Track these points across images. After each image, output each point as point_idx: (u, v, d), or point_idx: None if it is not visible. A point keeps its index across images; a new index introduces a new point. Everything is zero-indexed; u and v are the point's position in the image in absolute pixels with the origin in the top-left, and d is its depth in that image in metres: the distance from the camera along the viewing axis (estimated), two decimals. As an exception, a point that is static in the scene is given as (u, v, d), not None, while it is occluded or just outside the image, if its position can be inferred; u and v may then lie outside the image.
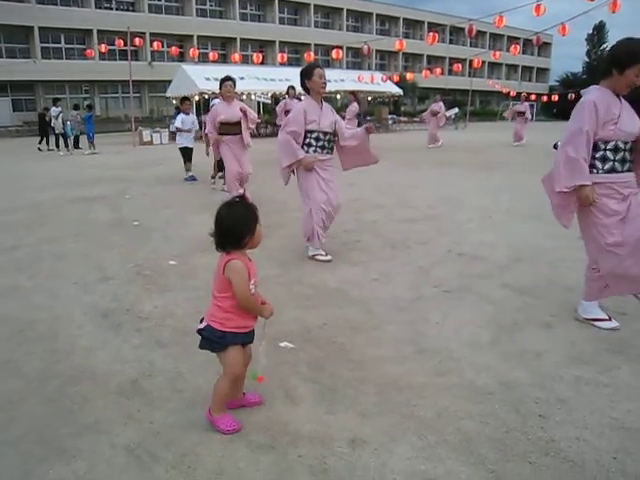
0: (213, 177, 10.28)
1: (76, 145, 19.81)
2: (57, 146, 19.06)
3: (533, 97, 39.88)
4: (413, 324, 3.65)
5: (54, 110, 19.27)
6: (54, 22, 35.78)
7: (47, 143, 20.15)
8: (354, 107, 18.68)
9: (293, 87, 15.59)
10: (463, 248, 5.57)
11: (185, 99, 12.18)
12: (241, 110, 8.04)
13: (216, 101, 9.69)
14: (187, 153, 11.36)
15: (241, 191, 2.48)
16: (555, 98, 38.63)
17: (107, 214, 7.63)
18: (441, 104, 19.97)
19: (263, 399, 2.71)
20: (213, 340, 2.46)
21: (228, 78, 8.10)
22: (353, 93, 19.69)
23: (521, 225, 6.62)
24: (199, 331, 2.49)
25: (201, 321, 2.51)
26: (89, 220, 7.26)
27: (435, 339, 3.40)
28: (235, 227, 2.38)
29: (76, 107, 21.12)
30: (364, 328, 3.58)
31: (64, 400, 2.79)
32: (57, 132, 19.26)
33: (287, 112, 14.82)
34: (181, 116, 11.50)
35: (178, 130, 11.51)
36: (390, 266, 5.00)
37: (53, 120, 19.29)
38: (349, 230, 6.40)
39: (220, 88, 8.18)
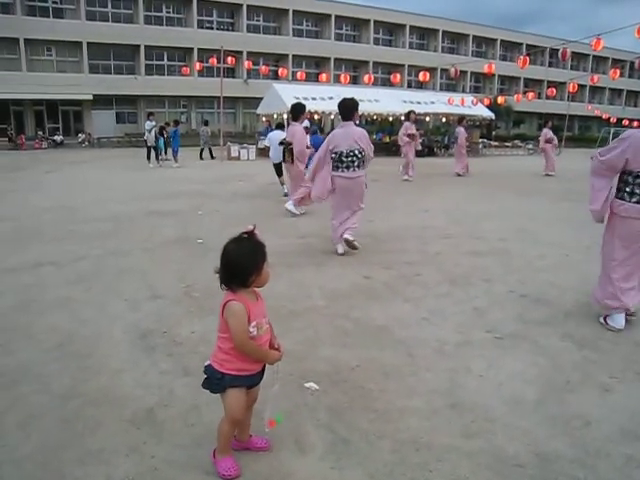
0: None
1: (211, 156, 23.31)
2: (148, 158, 19.79)
3: (636, 124, 37.63)
4: (453, 373, 3.38)
5: (148, 124, 19.95)
6: (158, 41, 37.98)
7: (159, 155, 20.78)
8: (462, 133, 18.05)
9: (413, 111, 16.49)
10: (528, 288, 5.17)
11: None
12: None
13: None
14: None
15: (250, 227, 2.35)
16: (662, 126, 36.16)
17: (176, 230, 7.80)
18: (545, 130, 18.94)
19: (270, 445, 2.57)
20: (212, 380, 2.36)
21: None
22: (462, 119, 19.32)
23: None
24: (205, 368, 2.40)
25: None
26: (157, 235, 7.45)
27: (473, 393, 3.12)
28: (241, 264, 2.27)
29: (206, 123, 24.19)
30: (399, 374, 3.35)
31: (78, 422, 2.78)
32: (149, 145, 20.00)
33: (408, 135, 15.03)
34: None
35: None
36: (444, 304, 4.71)
37: (146, 133, 20.11)
38: (411, 262, 6.15)
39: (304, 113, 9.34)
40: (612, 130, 45.82)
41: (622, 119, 39.03)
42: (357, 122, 6.46)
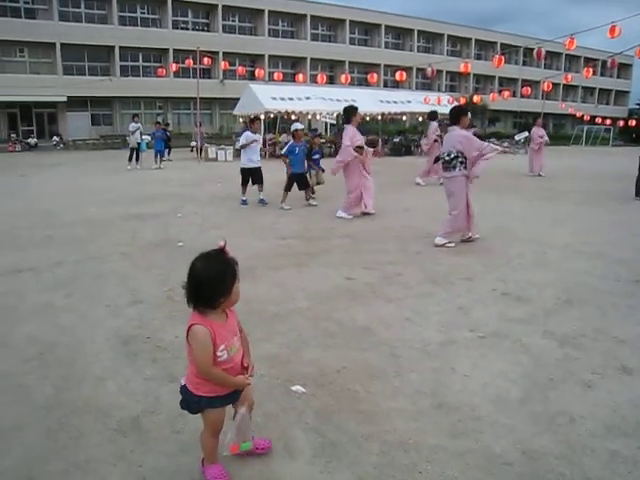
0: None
1: None
2: (130, 160, 19.24)
3: (608, 122, 38.31)
4: (438, 373, 3.40)
5: (132, 126, 19.43)
6: (133, 42, 37.61)
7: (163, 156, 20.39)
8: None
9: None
10: (509, 287, 5.23)
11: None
12: None
13: (298, 124, 10.88)
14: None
15: (221, 243, 2.27)
16: (633, 122, 36.87)
17: (155, 233, 7.73)
18: (534, 128, 18.30)
19: (271, 445, 2.58)
20: (189, 403, 2.31)
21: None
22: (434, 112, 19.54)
23: (578, 262, 6.18)
24: (180, 388, 2.36)
25: None
26: (137, 239, 7.38)
27: (458, 393, 3.14)
28: (209, 286, 2.12)
29: (200, 124, 24.46)
30: (384, 375, 3.36)
31: (62, 433, 2.74)
32: (131, 147, 19.40)
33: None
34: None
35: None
36: (427, 304, 4.74)
37: (130, 135, 19.71)
38: (392, 262, 6.17)
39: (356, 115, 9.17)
40: (585, 128, 46.67)
41: (595, 117, 39.70)
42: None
